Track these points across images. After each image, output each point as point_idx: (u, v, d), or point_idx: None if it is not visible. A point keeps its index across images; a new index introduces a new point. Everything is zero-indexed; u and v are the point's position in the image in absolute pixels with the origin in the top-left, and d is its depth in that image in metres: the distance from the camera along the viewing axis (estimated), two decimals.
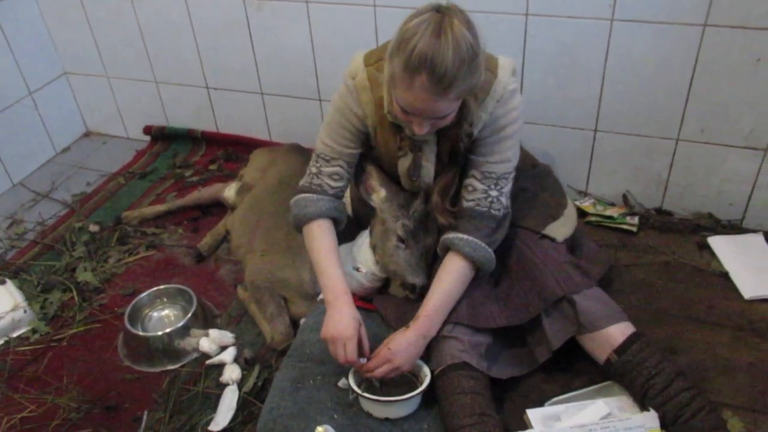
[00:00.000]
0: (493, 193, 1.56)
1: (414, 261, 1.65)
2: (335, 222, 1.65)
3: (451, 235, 1.57)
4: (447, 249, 1.58)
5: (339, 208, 1.65)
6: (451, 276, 1.55)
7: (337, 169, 1.63)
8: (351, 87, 1.56)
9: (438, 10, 1.32)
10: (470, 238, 1.54)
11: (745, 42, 1.78)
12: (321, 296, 1.78)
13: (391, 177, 1.72)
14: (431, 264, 1.67)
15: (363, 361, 1.51)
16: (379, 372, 1.49)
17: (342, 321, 1.48)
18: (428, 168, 1.61)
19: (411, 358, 1.51)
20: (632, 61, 1.93)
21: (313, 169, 1.65)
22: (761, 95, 1.85)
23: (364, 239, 1.77)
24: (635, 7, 1.84)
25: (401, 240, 1.65)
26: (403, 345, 1.49)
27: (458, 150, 1.54)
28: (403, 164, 1.63)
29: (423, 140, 1.58)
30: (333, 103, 1.61)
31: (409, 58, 1.29)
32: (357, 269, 1.73)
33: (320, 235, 1.60)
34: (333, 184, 1.64)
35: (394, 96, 1.40)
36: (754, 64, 1.81)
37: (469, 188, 1.58)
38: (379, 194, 1.71)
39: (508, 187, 1.58)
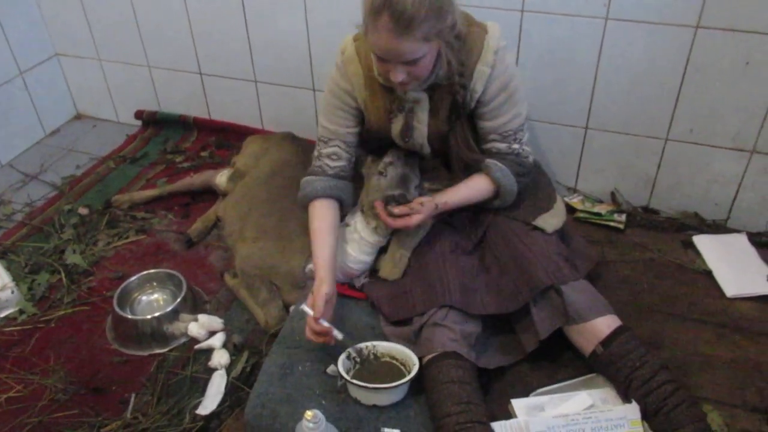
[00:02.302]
0: (516, 146, 1.69)
1: (394, 182, 1.68)
2: (339, 201, 1.73)
3: (488, 160, 1.69)
4: (477, 170, 1.70)
5: (338, 186, 1.72)
6: (474, 185, 1.69)
7: (335, 149, 1.72)
8: (340, 63, 1.66)
9: None
10: (504, 167, 1.67)
11: (735, 45, 1.81)
12: (310, 268, 1.79)
13: (383, 144, 1.77)
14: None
15: (336, 335, 1.56)
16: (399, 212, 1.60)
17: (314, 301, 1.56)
18: (420, 129, 1.67)
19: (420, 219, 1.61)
20: (625, 60, 1.95)
21: (315, 153, 1.75)
22: (750, 98, 1.88)
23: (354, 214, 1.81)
24: (629, 7, 1.86)
25: (380, 173, 1.71)
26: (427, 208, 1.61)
27: (457, 103, 1.62)
28: (396, 126, 1.68)
29: (414, 100, 1.64)
30: (326, 86, 1.71)
31: (372, 0, 1.38)
32: (346, 225, 1.79)
33: (315, 216, 1.69)
34: (331, 164, 1.71)
35: (368, 45, 1.48)
36: (743, 66, 1.84)
37: (493, 150, 1.69)
38: (366, 161, 1.80)
39: (526, 136, 1.71)
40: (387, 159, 1.73)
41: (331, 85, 1.69)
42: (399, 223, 1.61)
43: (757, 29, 1.77)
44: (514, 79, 1.63)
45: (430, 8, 1.38)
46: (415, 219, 1.60)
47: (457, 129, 1.69)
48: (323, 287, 1.56)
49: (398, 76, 1.48)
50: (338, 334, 1.56)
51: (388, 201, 1.64)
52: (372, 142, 1.80)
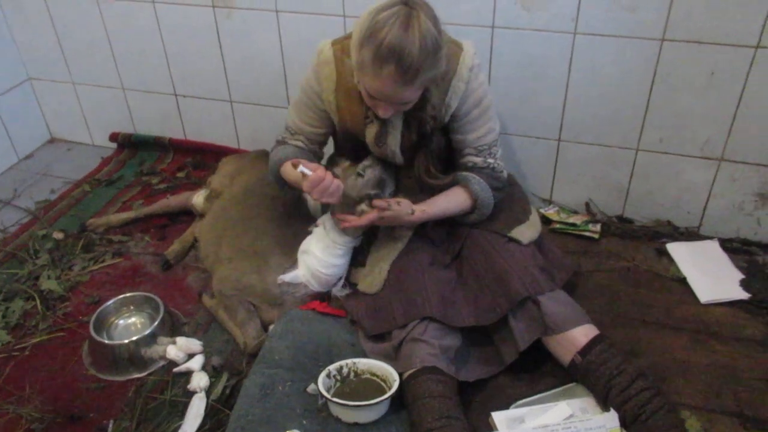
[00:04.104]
0: (491, 160, 1.73)
1: (371, 184, 1.72)
2: None
3: (465, 173, 1.72)
4: (455, 184, 1.71)
5: (308, 156, 1.79)
6: (452, 197, 1.72)
7: (299, 143, 1.80)
8: (315, 64, 1.69)
9: (406, 3, 1.42)
10: (482, 180, 1.71)
11: (700, 56, 1.86)
12: (281, 282, 1.80)
13: (358, 148, 1.79)
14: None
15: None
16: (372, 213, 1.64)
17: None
18: (394, 135, 1.69)
19: (394, 220, 1.68)
20: (594, 74, 1.99)
21: (280, 138, 1.85)
22: (716, 107, 1.93)
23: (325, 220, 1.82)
24: (596, 21, 1.90)
25: (359, 174, 1.73)
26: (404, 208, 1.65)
27: (425, 131, 1.66)
28: (371, 131, 1.70)
29: None
30: (300, 84, 1.76)
31: (378, 48, 1.39)
32: (315, 226, 1.82)
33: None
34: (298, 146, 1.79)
35: (362, 82, 1.50)
36: (708, 77, 1.88)
37: (469, 164, 1.73)
38: (342, 164, 1.80)
39: (500, 152, 1.76)
40: (366, 162, 1.75)
41: (303, 83, 1.75)
42: (364, 220, 1.64)
43: (720, 41, 1.82)
44: (488, 96, 1.67)
45: (432, 59, 1.43)
46: (388, 214, 1.63)
47: (420, 157, 1.73)
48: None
49: (388, 113, 1.56)
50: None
51: (363, 199, 1.66)
52: (347, 146, 1.82)
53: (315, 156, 1.84)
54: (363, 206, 1.67)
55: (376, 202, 1.62)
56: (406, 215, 1.65)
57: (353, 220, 1.67)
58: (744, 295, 1.87)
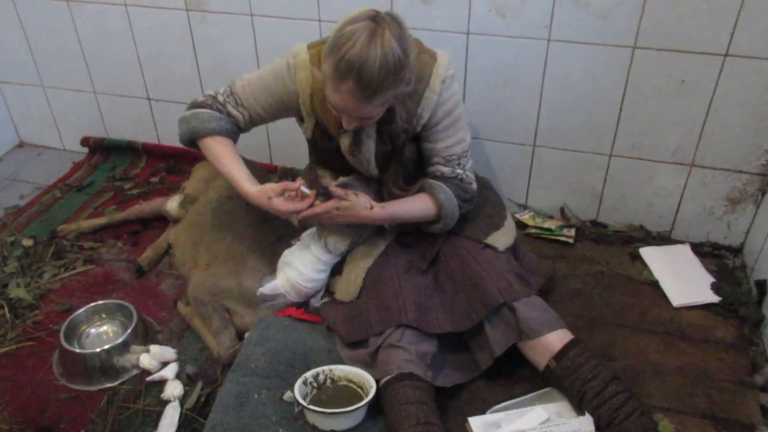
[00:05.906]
0: (459, 171, 1.71)
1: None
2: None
3: (432, 181, 1.71)
4: (422, 190, 1.71)
5: (237, 133, 1.76)
6: (417, 203, 1.70)
7: (239, 116, 1.72)
8: (292, 64, 1.65)
9: (374, 18, 1.39)
10: (448, 189, 1.69)
11: (670, 64, 1.89)
12: (261, 291, 1.79)
13: (337, 157, 1.77)
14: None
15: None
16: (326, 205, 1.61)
17: (252, 190, 1.63)
18: (369, 144, 1.68)
19: (351, 213, 1.63)
20: (568, 80, 2.01)
21: (220, 98, 1.73)
22: (686, 114, 1.96)
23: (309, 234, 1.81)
24: (569, 28, 1.93)
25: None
26: (362, 200, 1.64)
27: (396, 144, 1.67)
28: (345, 141, 1.69)
29: None
30: (272, 65, 1.69)
31: (339, 62, 1.38)
32: (298, 240, 1.79)
33: (224, 145, 1.71)
34: (233, 113, 1.73)
35: (326, 92, 1.49)
36: (678, 84, 1.92)
37: (437, 174, 1.71)
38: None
39: (469, 164, 1.74)
40: (344, 177, 1.75)
41: (277, 70, 1.67)
42: (320, 208, 1.61)
43: (690, 49, 1.85)
44: (459, 106, 1.67)
45: (394, 76, 1.41)
46: (345, 203, 1.61)
47: (392, 168, 1.73)
48: (258, 186, 1.64)
49: (351, 125, 1.55)
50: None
51: (318, 194, 1.64)
52: (325, 152, 1.79)
53: (236, 135, 1.76)
54: (320, 197, 1.65)
55: (333, 189, 1.60)
56: (363, 208, 1.63)
57: (308, 211, 1.61)
58: (715, 299, 1.90)
